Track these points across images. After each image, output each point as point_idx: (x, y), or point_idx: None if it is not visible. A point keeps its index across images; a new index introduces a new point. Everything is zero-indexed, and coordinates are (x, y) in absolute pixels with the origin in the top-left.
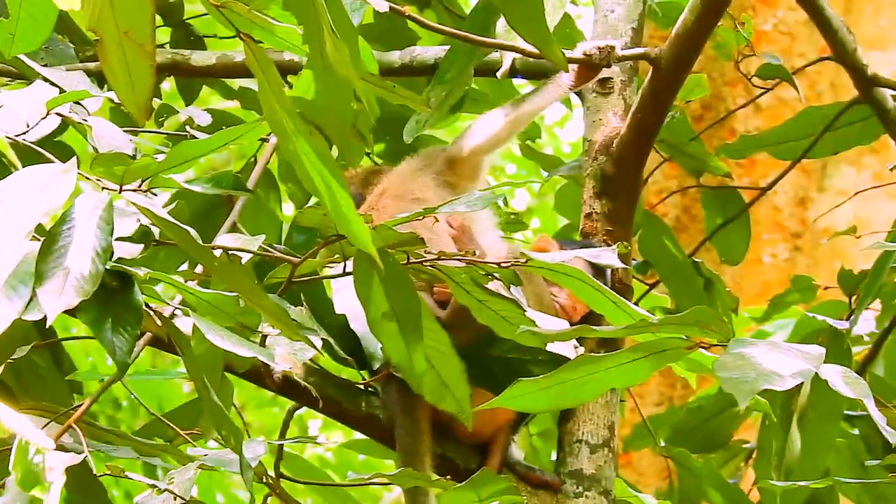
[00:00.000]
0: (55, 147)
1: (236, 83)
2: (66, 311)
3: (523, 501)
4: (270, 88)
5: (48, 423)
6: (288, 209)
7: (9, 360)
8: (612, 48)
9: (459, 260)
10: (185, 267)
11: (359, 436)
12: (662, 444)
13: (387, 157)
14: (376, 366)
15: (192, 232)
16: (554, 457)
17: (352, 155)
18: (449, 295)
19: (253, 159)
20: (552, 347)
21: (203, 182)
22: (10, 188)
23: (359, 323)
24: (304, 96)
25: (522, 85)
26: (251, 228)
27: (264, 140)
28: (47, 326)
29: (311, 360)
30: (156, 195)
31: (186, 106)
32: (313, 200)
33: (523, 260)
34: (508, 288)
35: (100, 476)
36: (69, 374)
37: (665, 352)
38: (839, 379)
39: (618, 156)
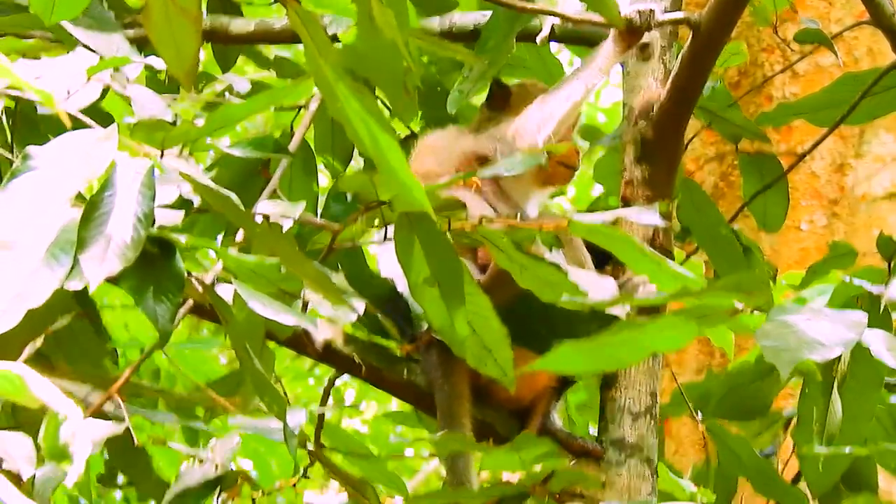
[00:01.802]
0: (95, 114)
1: (272, 53)
2: (106, 280)
3: (568, 464)
4: (317, 47)
5: (90, 391)
6: (323, 181)
7: (50, 330)
8: (652, 11)
9: (500, 223)
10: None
11: (394, 408)
12: (699, 415)
13: (424, 125)
14: (425, 327)
15: (234, 197)
16: (592, 430)
17: (405, 111)
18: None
19: (290, 130)
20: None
21: (244, 146)
22: (51, 155)
23: (405, 285)
24: (354, 50)
25: (559, 50)
26: (288, 199)
27: (302, 108)
28: (90, 293)
29: (350, 328)
30: (198, 163)
31: (223, 74)
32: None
33: (565, 222)
34: (550, 250)
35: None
36: (107, 342)
37: (708, 315)
38: (882, 345)
39: (657, 121)
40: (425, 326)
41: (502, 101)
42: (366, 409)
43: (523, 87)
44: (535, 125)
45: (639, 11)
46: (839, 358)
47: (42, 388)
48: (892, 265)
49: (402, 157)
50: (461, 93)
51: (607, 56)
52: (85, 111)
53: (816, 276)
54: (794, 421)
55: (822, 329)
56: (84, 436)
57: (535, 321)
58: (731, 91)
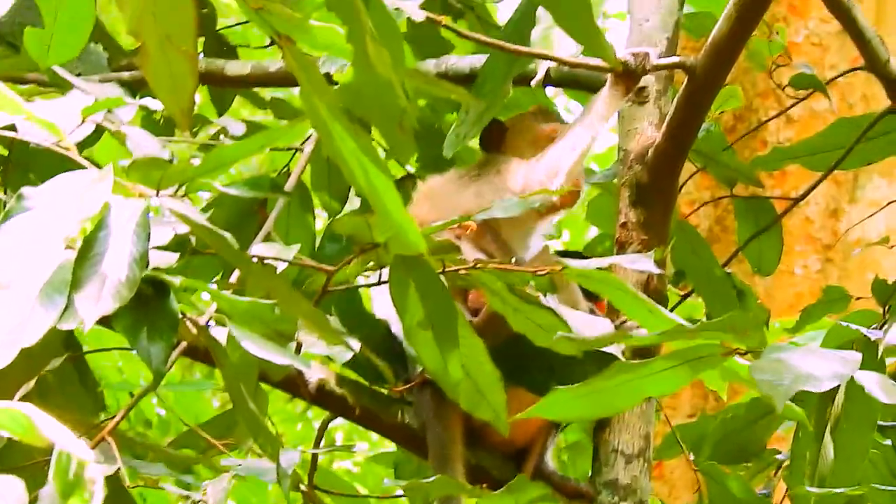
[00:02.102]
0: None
1: (268, 95)
2: (100, 322)
3: None
4: (313, 87)
5: (79, 437)
6: (319, 222)
7: (43, 372)
8: (647, 55)
9: (495, 267)
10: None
11: (386, 450)
12: (692, 456)
13: (419, 165)
14: (418, 369)
15: (230, 237)
16: (585, 471)
17: (402, 151)
18: (483, 302)
19: (286, 170)
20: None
21: (240, 185)
22: (46, 195)
23: (400, 328)
24: (351, 90)
25: (556, 94)
26: (284, 240)
27: (297, 150)
28: (79, 336)
29: (343, 371)
30: (193, 203)
31: (219, 116)
32: (346, 210)
33: (559, 268)
34: (545, 295)
35: (132, 487)
36: (94, 390)
37: (701, 358)
38: (875, 384)
39: (653, 164)
40: (419, 369)
41: (499, 140)
42: (357, 451)
43: (520, 123)
44: (544, 178)
45: (634, 54)
46: (833, 400)
47: (50, 427)
48: (887, 309)
49: (397, 198)
50: (458, 136)
51: (607, 101)
52: (81, 154)
53: (810, 320)
54: (787, 463)
55: (817, 364)
56: (99, 477)
57: (529, 360)
58: (727, 136)
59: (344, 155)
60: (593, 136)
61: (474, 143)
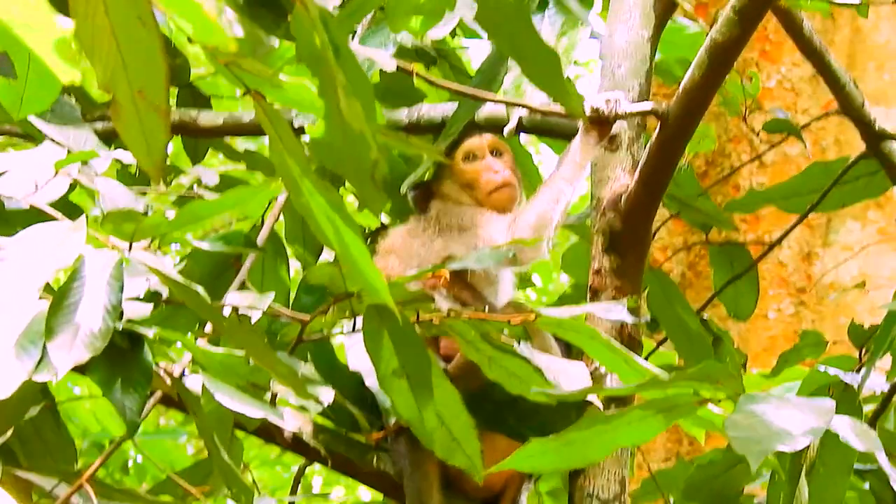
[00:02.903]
0: (63, 207)
1: (241, 146)
2: (75, 371)
3: None
4: (283, 143)
5: (57, 483)
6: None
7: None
8: (619, 100)
9: (469, 316)
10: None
11: (364, 496)
12: (672, 501)
13: (393, 215)
14: (392, 421)
15: (201, 290)
16: None
17: (373, 203)
18: (455, 349)
19: (261, 222)
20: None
21: (214, 240)
22: (20, 246)
23: (373, 379)
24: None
25: (532, 142)
26: (258, 291)
27: (271, 200)
28: (56, 382)
29: (320, 418)
30: (166, 254)
31: (193, 166)
32: (321, 261)
33: (533, 316)
34: (518, 343)
35: None
36: (68, 439)
37: (676, 407)
38: (850, 431)
39: (626, 211)
40: (393, 419)
41: (427, 199)
42: (334, 498)
43: (448, 169)
44: (532, 233)
45: (606, 101)
46: (807, 448)
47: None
48: (863, 353)
49: (366, 252)
50: (417, 176)
51: (582, 149)
52: (53, 205)
53: (787, 365)
54: None
55: (791, 418)
56: None
57: (504, 407)
58: (699, 181)
59: (313, 210)
60: (574, 185)
61: None
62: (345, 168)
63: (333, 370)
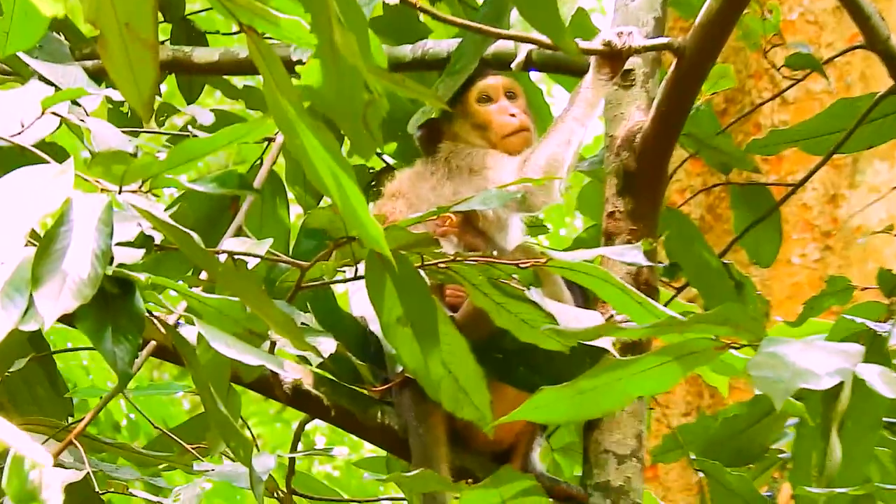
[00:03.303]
0: (50, 149)
1: (240, 82)
2: (63, 321)
3: (549, 502)
4: (275, 82)
5: (47, 439)
6: (295, 215)
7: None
8: (632, 34)
9: (476, 260)
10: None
11: (368, 454)
12: (693, 456)
13: (398, 156)
14: (399, 369)
15: (195, 236)
16: (577, 473)
17: (363, 148)
18: (462, 297)
19: (259, 162)
20: None
21: (207, 181)
22: (4, 191)
23: (378, 325)
24: (313, 86)
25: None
26: (257, 235)
27: (270, 140)
28: (45, 331)
29: (321, 369)
30: (157, 197)
31: (188, 105)
32: (324, 203)
33: (543, 260)
34: (528, 288)
35: (102, 493)
36: (64, 392)
37: (694, 353)
38: (878, 378)
39: (641, 151)
40: (398, 368)
41: (435, 139)
42: (337, 454)
43: (462, 108)
44: (542, 174)
45: (618, 34)
46: (837, 396)
47: (7, 432)
48: (891, 301)
49: (362, 198)
50: (424, 114)
51: (593, 86)
52: (39, 147)
53: (812, 313)
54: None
55: (817, 359)
56: (55, 482)
57: (513, 356)
58: (718, 119)
59: (308, 153)
60: (586, 125)
61: None
62: (335, 109)
63: (335, 319)
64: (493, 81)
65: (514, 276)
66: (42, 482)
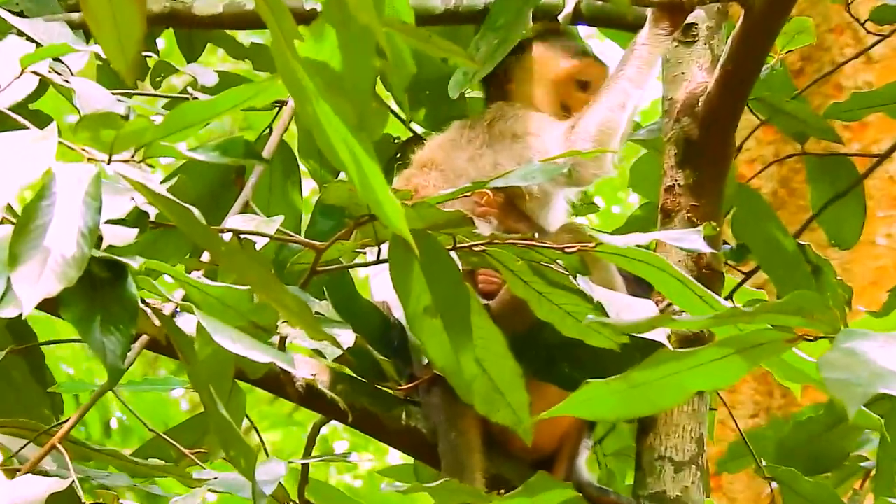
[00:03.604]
0: (30, 115)
1: (247, 39)
2: (47, 309)
3: None
4: (284, 39)
5: (27, 443)
6: (309, 190)
7: None
8: None
9: (515, 243)
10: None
11: (393, 462)
12: (763, 463)
13: (428, 124)
14: (425, 361)
15: (196, 212)
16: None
17: (371, 122)
18: (496, 285)
19: (268, 131)
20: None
21: (209, 149)
22: None
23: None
24: (318, 50)
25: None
26: (264, 213)
27: (281, 105)
28: (24, 318)
29: (339, 365)
30: (152, 167)
31: (188, 64)
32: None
33: (591, 244)
34: (574, 277)
35: None
36: (50, 387)
37: (761, 346)
38: None
39: (704, 116)
40: (424, 361)
41: (505, 81)
42: (356, 461)
43: (533, 57)
44: (593, 146)
45: None
46: None
47: None
48: None
49: (379, 174)
50: (466, 76)
51: (650, 42)
52: (17, 109)
53: None
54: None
55: None
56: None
57: (555, 352)
58: (795, 79)
59: (320, 121)
60: (643, 87)
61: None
62: (341, 78)
63: (353, 307)
64: (598, 69)
65: (559, 261)
66: None
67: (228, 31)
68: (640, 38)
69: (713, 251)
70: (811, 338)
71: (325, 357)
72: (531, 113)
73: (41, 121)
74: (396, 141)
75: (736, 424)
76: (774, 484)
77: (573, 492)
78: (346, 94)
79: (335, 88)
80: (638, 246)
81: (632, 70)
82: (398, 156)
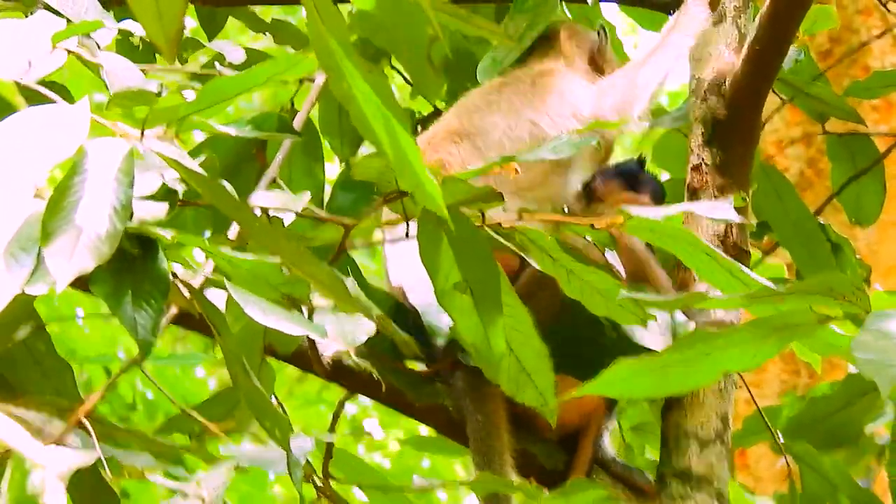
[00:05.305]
0: (60, 92)
1: (267, 16)
2: (77, 286)
3: None
4: (319, 13)
5: (49, 420)
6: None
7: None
8: None
9: (544, 220)
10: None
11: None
12: (781, 438)
13: (451, 98)
14: (440, 341)
15: (229, 187)
16: (651, 456)
17: (430, 87)
18: (513, 265)
19: (290, 106)
20: (641, 339)
21: (242, 124)
22: (9, 135)
23: (418, 296)
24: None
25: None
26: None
27: (305, 81)
28: (57, 294)
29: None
30: (185, 143)
31: (210, 41)
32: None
33: (620, 219)
34: (603, 253)
35: (112, 481)
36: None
37: (792, 327)
38: None
39: (731, 96)
40: (441, 341)
41: (547, 46)
42: (389, 441)
43: (572, 31)
44: (621, 103)
45: None
46: None
47: (6, 430)
48: None
49: (416, 149)
50: (495, 60)
51: (692, 15)
52: (47, 87)
53: None
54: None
55: None
56: (59, 487)
57: (579, 342)
58: (821, 61)
59: (356, 97)
60: (679, 54)
61: None
62: (396, 45)
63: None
64: None
65: (587, 237)
66: (44, 486)
67: (251, 8)
68: (683, 9)
69: (741, 226)
70: (838, 319)
71: (350, 335)
72: (566, 72)
73: (60, 94)
74: (417, 115)
75: (753, 399)
76: (791, 460)
77: (605, 490)
78: (400, 59)
79: (390, 50)
80: (667, 219)
81: (672, 37)
82: (419, 129)
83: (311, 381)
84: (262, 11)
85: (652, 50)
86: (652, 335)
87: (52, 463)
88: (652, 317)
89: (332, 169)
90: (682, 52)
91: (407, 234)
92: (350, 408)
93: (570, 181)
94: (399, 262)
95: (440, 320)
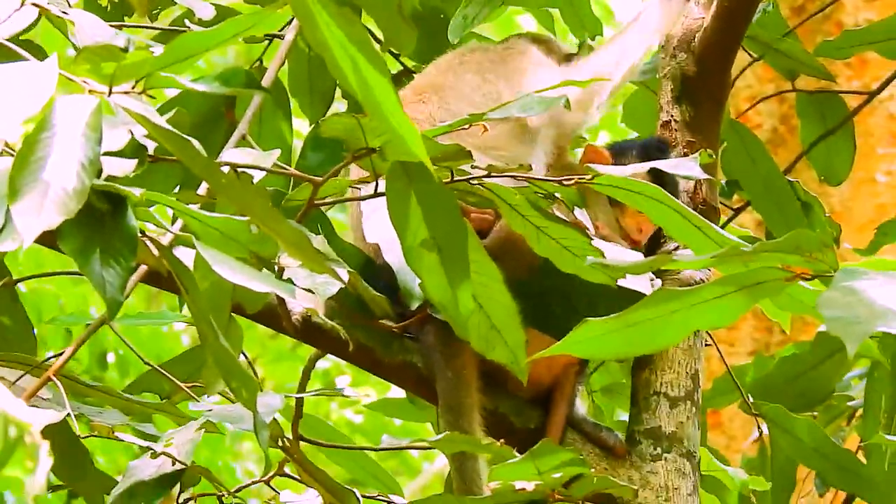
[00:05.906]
0: (28, 48)
1: None
2: (45, 242)
3: (590, 472)
4: None
5: (22, 375)
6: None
7: None
8: None
9: (513, 177)
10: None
11: (393, 396)
12: (750, 399)
13: (417, 57)
14: (415, 305)
15: (197, 144)
16: (620, 417)
17: (401, 40)
18: (488, 221)
19: (258, 63)
20: (623, 282)
21: (209, 80)
22: None
23: (394, 255)
24: None
25: None
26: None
27: (272, 37)
28: (23, 250)
29: (334, 301)
30: (153, 98)
31: None
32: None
33: (588, 176)
34: (571, 210)
35: (83, 438)
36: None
37: (761, 284)
38: None
39: (700, 52)
40: (415, 304)
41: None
42: (354, 396)
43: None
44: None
45: None
46: None
47: None
48: None
49: (395, 98)
50: (465, 18)
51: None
52: (15, 42)
53: (888, 239)
54: (860, 412)
55: None
56: (43, 443)
57: (549, 299)
58: (796, 17)
59: (330, 46)
60: (664, 27)
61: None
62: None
63: (335, 249)
64: None
65: (556, 194)
66: (27, 443)
67: None
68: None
69: (709, 182)
70: (809, 276)
71: (319, 293)
72: (538, 54)
73: (34, 52)
74: None
75: (722, 357)
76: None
77: (573, 454)
78: (370, 10)
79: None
80: (635, 176)
81: (640, 22)
82: None
83: (283, 337)
84: None
85: (616, 38)
86: (639, 280)
87: (26, 418)
88: (621, 275)
89: (304, 127)
90: (665, 21)
91: (375, 192)
92: (323, 363)
93: (535, 154)
94: (373, 219)
95: (413, 283)
